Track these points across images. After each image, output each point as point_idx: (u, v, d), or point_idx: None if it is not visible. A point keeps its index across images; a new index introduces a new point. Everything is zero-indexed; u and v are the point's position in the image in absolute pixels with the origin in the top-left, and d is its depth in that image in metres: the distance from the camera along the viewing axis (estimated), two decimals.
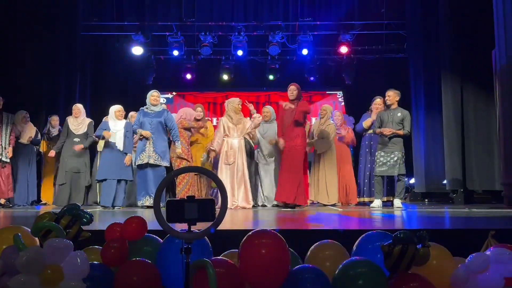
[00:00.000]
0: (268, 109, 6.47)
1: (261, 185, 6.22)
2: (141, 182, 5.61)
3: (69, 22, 8.62)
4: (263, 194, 6.18)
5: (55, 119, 7.08)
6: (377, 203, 5.58)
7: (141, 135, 5.65)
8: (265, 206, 6.09)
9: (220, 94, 10.85)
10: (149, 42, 9.50)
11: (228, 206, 5.44)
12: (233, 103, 5.94)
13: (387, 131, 5.58)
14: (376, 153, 5.74)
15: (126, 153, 5.67)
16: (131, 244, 2.08)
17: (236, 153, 5.72)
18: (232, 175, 5.67)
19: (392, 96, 5.76)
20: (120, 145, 5.67)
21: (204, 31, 9.36)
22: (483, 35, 6.50)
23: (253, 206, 5.82)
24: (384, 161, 5.61)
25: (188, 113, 6.32)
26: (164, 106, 6.21)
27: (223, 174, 5.69)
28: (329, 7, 9.57)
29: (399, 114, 5.66)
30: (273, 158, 6.17)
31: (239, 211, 5.12)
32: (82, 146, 6.29)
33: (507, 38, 5.54)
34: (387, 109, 5.84)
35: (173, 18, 9.47)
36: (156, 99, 5.87)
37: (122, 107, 5.95)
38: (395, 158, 5.58)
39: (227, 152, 5.74)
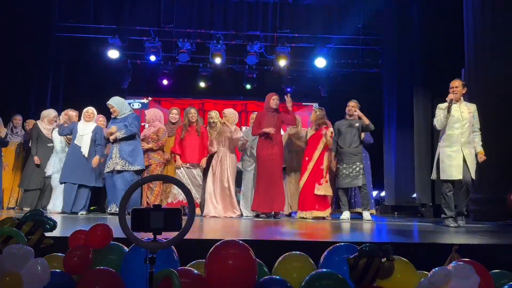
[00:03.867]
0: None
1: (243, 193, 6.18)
2: (109, 189, 5.48)
3: (44, 22, 8.45)
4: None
5: (17, 119, 6.90)
6: (345, 215, 5.62)
7: (110, 133, 5.45)
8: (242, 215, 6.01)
9: (197, 101, 10.82)
10: (125, 46, 9.42)
11: (212, 214, 5.47)
12: (225, 113, 6.03)
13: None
14: (338, 166, 5.75)
15: (92, 156, 5.60)
16: (95, 252, 2.03)
17: (220, 163, 5.72)
18: (215, 185, 5.67)
19: (355, 106, 5.82)
20: (85, 150, 5.54)
21: (182, 37, 9.35)
22: (454, 54, 6.71)
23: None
24: (347, 172, 5.65)
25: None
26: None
27: (209, 183, 5.70)
28: (307, 20, 9.71)
29: (357, 124, 5.74)
30: (253, 167, 6.12)
31: (210, 220, 5.08)
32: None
33: (477, 58, 5.75)
34: (344, 120, 5.86)
35: (151, 23, 9.42)
36: (112, 111, 5.55)
37: (92, 108, 5.80)
38: (357, 169, 5.63)
39: (213, 162, 5.77)
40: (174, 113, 6.20)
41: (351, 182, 5.65)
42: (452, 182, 4.62)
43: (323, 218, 5.60)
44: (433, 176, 4.79)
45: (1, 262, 1.68)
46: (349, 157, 5.65)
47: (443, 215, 4.71)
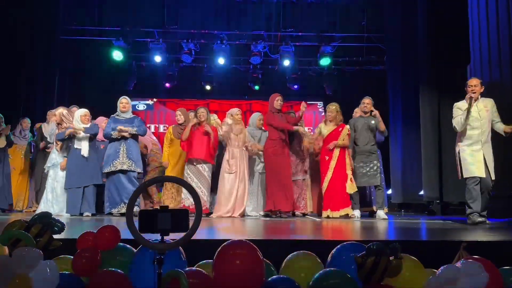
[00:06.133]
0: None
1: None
2: (114, 189, 5.47)
3: (49, 25, 8.49)
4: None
5: (26, 122, 6.95)
6: (356, 213, 5.61)
7: (121, 130, 5.51)
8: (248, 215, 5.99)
9: (202, 102, 10.83)
10: (130, 48, 9.45)
11: (230, 214, 5.48)
12: (232, 113, 5.94)
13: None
14: (354, 164, 5.72)
15: (92, 155, 5.58)
16: (103, 253, 2.04)
17: (238, 162, 5.70)
18: (233, 184, 5.63)
19: (370, 103, 5.81)
20: (85, 152, 5.50)
21: (186, 38, 9.37)
22: (459, 50, 6.67)
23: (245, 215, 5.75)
24: (364, 171, 5.63)
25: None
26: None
27: (225, 183, 5.65)
28: (311, 18, 9.70)
29: (373, 122, 5.72)
30: (260, 166, 6.08)
31: (217, 220, 5.08)
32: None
33: (482, 54, 5.71)
34: (360, 117, 5.86)
35: (155, 24, 9.46)
36: (124, 106, 5.74)
37: (88, 111, 5.79)
38: (375, 168, 5.62)
39: (228, 161, 5.71)
40: (178, 114, 6.21)
41: (368, 181, 5.63)
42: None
43: (350, 216, 5.48)
44: (459, 175, 4.69)
45: (10, 264, 1.70)
46: (366, 155, 5.64)
47: (468, 210, 4.54)
